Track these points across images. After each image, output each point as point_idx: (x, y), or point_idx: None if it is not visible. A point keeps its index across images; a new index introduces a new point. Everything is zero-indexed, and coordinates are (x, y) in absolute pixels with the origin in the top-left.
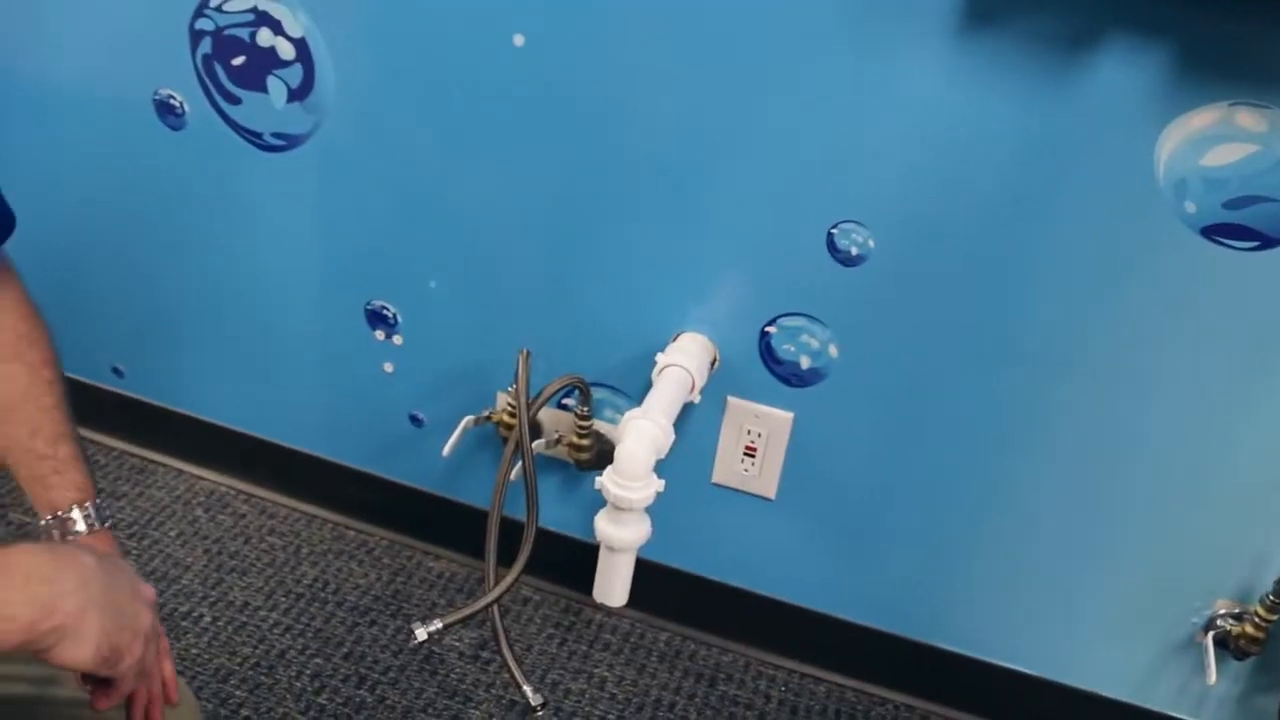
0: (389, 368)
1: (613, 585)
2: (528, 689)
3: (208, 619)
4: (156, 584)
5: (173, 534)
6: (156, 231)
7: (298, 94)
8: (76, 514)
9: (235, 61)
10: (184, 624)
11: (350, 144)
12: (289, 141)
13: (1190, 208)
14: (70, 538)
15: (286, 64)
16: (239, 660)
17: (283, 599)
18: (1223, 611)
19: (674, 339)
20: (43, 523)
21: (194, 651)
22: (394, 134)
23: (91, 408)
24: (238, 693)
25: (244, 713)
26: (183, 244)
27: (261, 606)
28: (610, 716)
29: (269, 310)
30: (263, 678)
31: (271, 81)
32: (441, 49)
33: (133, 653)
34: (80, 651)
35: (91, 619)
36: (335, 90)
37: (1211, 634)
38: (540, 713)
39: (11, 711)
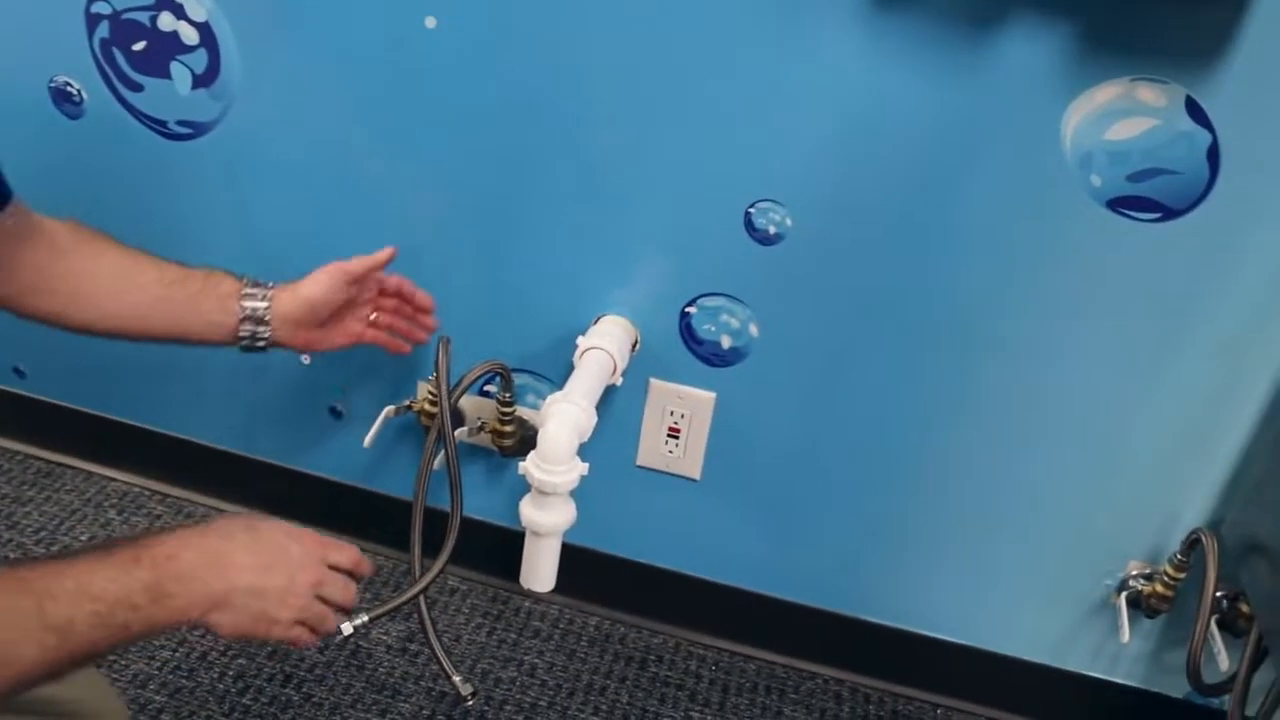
0: (306, 359)
1: (539, 570)
2: (457, 679)
3: None
4: None
5: (84, 538)
6: None
7: (203, 80)
8: (245, 304)
9: (136, 47)
10: None
11: (260, 130)
12: (195, 129)
13: (1096, 181)
14: (262, 326)
15: (190, 49)
16: (157, 664)
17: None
18: (1134, 572)
19: (595, 322)
20: (239, 341)
21: (109, 658)
22: (305, 120)
23: None
24: (157, 698)
25: (164, 717)
26: None
27: None
28: (542, 703)
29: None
30: (183, 681)
31: (175, 67)
32: (351, 32)
33: (274, 632)
34: (218, 630)
35: (240, 613)
36: (242, 75)
37: (1124, 594)
38: (471, 702)
39: None
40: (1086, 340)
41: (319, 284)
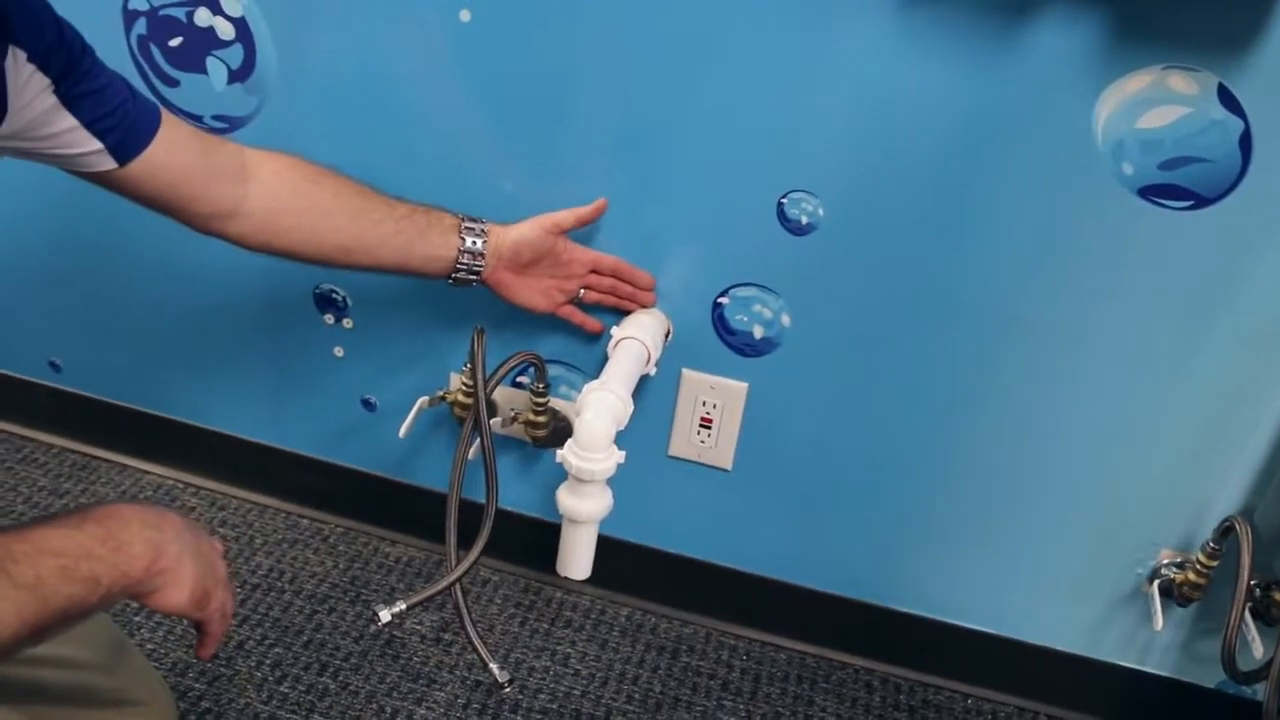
0: (339, 352)
1: (576, 558)
2: (494, 666)
3: (159, 614)
4: None
5: None
6: (91, 220)
7: (239, 75)
8: (465, 239)
9: (172, 42)
10: (137, 619)
11: (294, 124)
12: (231, 124)
13: (1128, 169)
14: (479, 260)
15: (226, 44)
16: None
17: (238, 590)
18: (1166, 561)
19: (627, 313)
20: (455, 273)
21: (149, 646)
22: (340, 113)
23: (29, 404)
24: (196, 685)
25: (204, 704)
26: (119, 232)
27: None
28: (575, 691)
29: (212, 298)
30: (222, 669)
31: (211, 62)
32: (386, 26)
33: (216, 596)
34: (179, 594)
35: (187, 565)
36: (278, 70)
37: (1157, 583)
38: (507, 689)
39: None
40: (1117, 328)
41: (528, 227)
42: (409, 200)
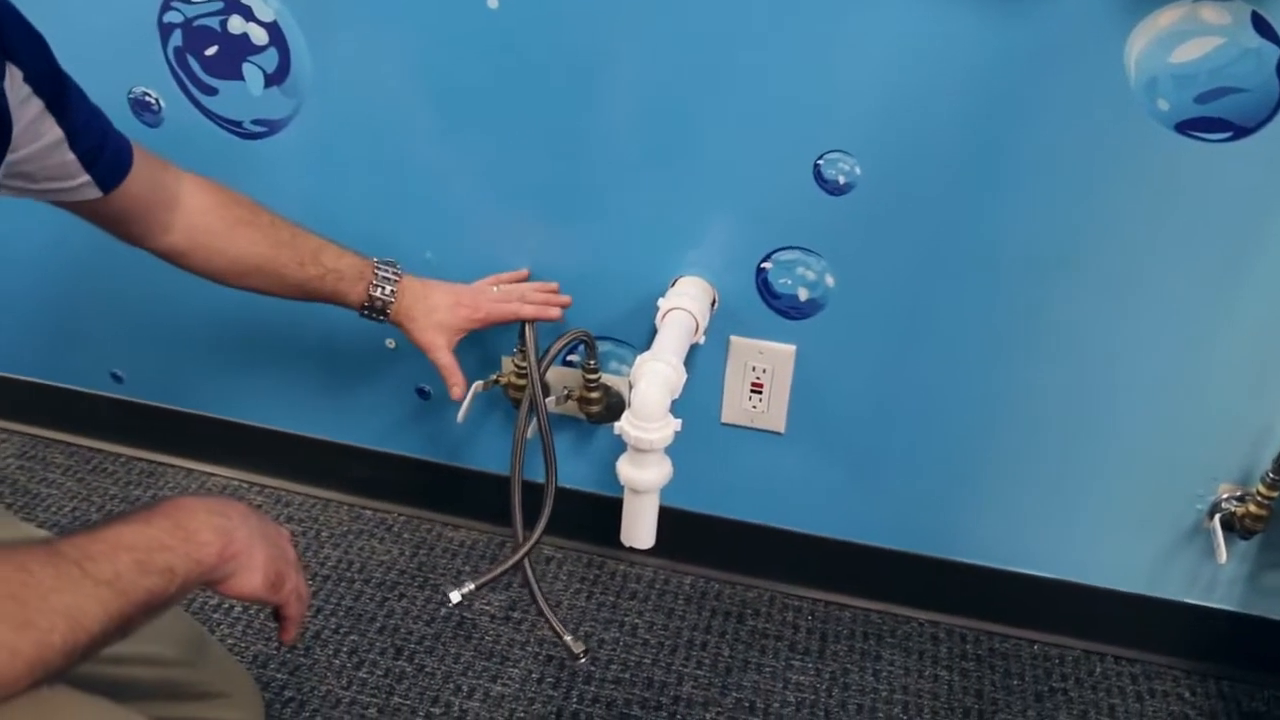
0: (391, 344)
1: (640, 528)
2: (568, 638)
3: (238, 609)
4: None
5: None
6: None
7: (275, 78)
8: (379, 291)
9: (208, 52)
10: (215, 615)
11: (333, 123)
12: (270, 127)
13: (1163, 105)
14: (389, 306)
15: (260, 49)
16: (274, 645)
17: (309, 583)
18: (1226, 495)
19: (672, 284)
20: (363, 312)
21: (230, 641)
22: (376, 108)
23: (95, 416)
24: (279, 675)
25: (288, 693)
26: None
27: None
28: (646, 660)
29: (264, 303)
30: (301, 659)
31: (247, 68)
32: (415, 17)
33: (290, 579)
34: (253, 579)
35: (258, 549)
36: (312, 71)
37: (1218, 517)
38: (583, 659)
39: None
40: (1164, 264)
41: (445, 315)
42: (333, 247)
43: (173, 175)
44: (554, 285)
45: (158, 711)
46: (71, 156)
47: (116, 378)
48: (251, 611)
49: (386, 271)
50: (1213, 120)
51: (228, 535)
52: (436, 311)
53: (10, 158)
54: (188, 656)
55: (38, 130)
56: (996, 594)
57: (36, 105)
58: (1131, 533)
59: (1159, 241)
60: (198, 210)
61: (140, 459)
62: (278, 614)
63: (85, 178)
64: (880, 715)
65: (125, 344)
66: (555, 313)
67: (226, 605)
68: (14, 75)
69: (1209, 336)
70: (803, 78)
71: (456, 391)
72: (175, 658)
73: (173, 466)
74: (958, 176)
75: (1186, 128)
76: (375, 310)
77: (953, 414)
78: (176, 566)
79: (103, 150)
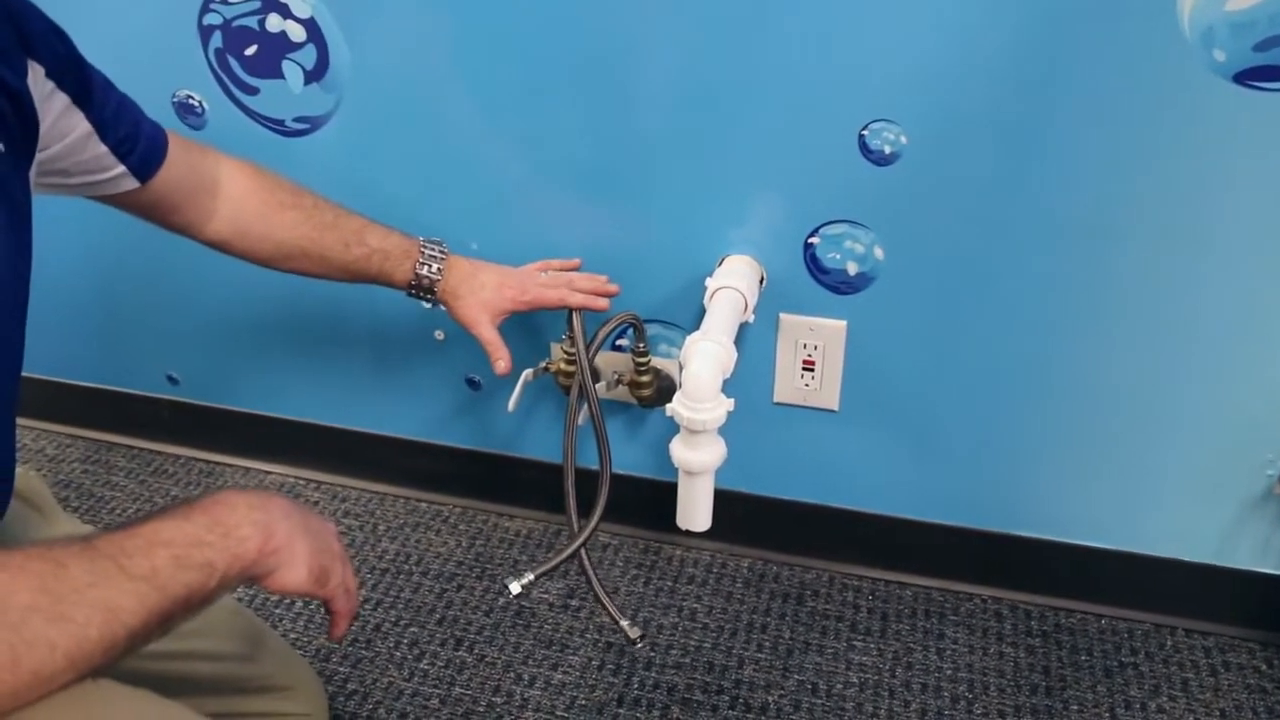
0: (440, 335)
1: (696, 510)
2: (625, 623)
3: (299, 605)
4: None
5: None
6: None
7: (314, 75)
8: (426, 270)
9: (248, 51)
10: (277, 611)
11: (374, 116)
12: (312, 124)
13: (1220, 56)
14: (436, 284)
15: (299, 46)
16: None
17: (368, 576)
18: None
19: (719, 263)
20: (410, 290)
21: (291, 636)
22: (415, 99)
23: (153, 418)
24: (341, 669)
25: (350, 686)
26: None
27: None
28: (706, 644)
29: (313, 296)
30: (362, 652)
31: (287, 66)
32: (451, 5)
33: (335, 573)
34: (297, 573)
35: (300, 543)
36: (351, 65)
37: None
38: (640, 644)
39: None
40: (1229, 222)
41: (491, 294)
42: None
43: (211, 160)
44: (603, 277)
45: (222, 705)
46: (104, 148)
47: (172, 380)
48: (313, 607)
49: (433, 250)
50: (1273, 68)
51: (267, 530)
52: (484, 290)
53: (42, 155)
54: (245, 651)
55: (66, 125)
56: (1061, 568)
57: (62, 100)
58: (1199, 502)
59: (1224, 198)
60: (239, 195)
61: (199, 459)
62: (327, 608)
63: (120, 169)
64: (945, 694)
65: (178, 346)
66: (603, 303)
67: (288, 601)
68: (36, 71)
69: (1273, 299)
70: (844, 46)
71: (501, 365)
72: (232, 652)
73: (230, 466)
74: (1007, 141)
75: (1245, 78)
76: (422, 289)
77: (1011, 385)
78: (215, 561)
79: (136, 140)
